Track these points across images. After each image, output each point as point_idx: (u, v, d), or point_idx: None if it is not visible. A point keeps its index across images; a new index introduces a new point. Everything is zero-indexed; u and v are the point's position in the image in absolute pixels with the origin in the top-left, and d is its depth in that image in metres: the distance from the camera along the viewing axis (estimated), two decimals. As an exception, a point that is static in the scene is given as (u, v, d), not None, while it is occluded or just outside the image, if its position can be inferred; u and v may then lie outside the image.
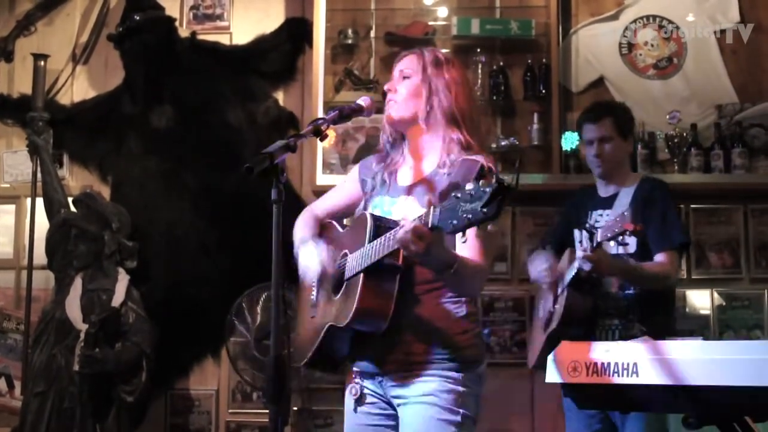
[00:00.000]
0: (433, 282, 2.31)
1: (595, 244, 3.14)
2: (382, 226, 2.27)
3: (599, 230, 3.16)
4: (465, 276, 2.22)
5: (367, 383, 2.41)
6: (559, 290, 3.35)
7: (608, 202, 3.43)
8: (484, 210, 1.87)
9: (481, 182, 1.91)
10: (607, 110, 3.57)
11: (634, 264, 3.30)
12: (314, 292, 2.49)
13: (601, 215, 3.41)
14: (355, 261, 2.30)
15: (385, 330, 2.26)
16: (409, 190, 2.42)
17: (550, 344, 3.27)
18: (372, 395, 2.40)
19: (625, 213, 3.11)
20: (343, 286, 2.35)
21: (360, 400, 2.40)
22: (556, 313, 3.33)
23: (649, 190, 3.40)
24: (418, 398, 2.28)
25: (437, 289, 2.33)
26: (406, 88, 2.46)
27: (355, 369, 2.44)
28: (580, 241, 3.38)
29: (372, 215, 2.33)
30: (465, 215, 1.91)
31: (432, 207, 2.03)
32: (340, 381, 4.11)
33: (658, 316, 3.31)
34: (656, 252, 3.30)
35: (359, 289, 2.22)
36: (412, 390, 2.29)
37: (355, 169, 2.66)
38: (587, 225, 3.29)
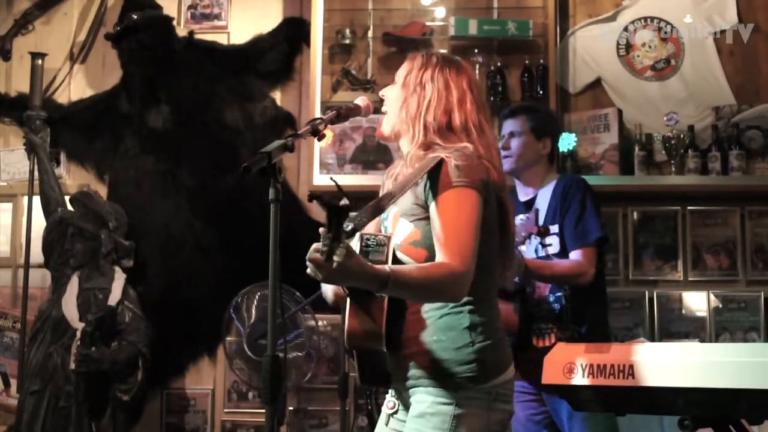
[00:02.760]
0: None
1: None
2: (370, 245, 2.17)
3: None
4: (413, 287, 2.07)
5: (396, 398, 2.35)
6: None
7: (527, 206, 3.39)
8: (329, 236, 1.83)
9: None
10: (524, 109, 3.57)
11: (544, 261, 3.27)
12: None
13: (522, 220, 3.30)
14: None
15: (393, 347, 2.19)
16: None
17: None
18: (403, 409, 2.32)
19: (529, 216, 3.15)
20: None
21: (394, 413, 2.34)
22: None
23: (564, 189, 3.35)
24: (410, 419, 2.21)
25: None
26: (389, 94, 2.39)
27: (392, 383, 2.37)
28: None
29: (362, 235, 2.19)
30: (325, 242, 1.85)
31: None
32: (334, 381, 4.12)
33: (590, 316, 3.29)
34: (571, 250, 3.28)
35: (347, 314, 2.15)
36: (411, 409, 2.23)
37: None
38: None
